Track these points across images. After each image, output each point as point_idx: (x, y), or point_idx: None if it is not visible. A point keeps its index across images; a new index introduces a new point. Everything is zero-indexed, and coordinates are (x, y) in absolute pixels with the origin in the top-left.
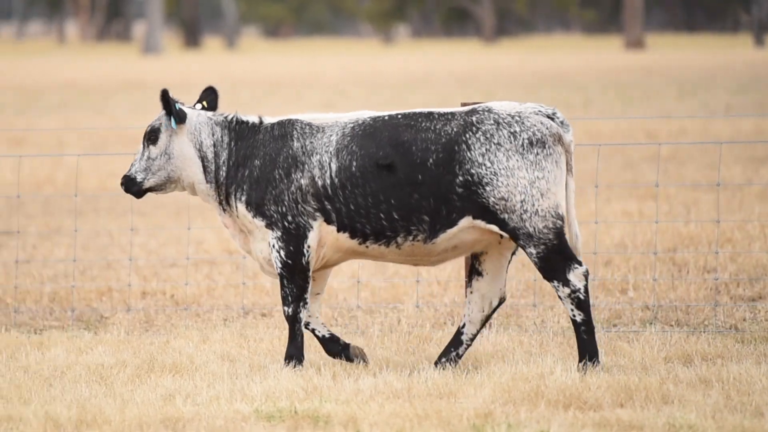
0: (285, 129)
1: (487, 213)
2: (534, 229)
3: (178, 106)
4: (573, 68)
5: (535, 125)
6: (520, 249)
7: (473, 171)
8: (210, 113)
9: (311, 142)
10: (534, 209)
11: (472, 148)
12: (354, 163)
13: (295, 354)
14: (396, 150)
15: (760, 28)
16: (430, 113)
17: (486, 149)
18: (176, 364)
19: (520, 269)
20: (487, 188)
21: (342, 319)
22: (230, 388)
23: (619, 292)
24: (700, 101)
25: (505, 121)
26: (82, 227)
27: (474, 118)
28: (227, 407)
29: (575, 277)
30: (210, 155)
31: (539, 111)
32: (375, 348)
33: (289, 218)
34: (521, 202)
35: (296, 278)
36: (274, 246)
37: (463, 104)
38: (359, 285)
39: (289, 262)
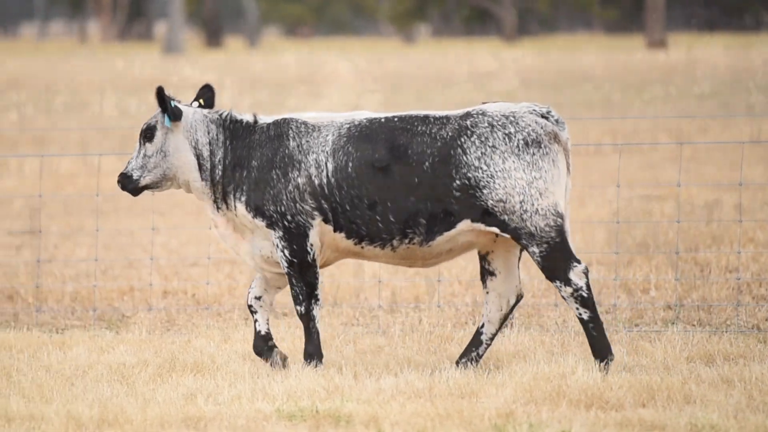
0: (281, 129)
1: (486, 215)
2: (536, 228)
3: (173, 103)
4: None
5: (529, 125)
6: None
7: (470, 175)
8: (206, 111)
9: (307, 141)
10: (534, 209)
11: (468, 151)
12: (350, 164)
13: (313, 352)
14: (392, 153)
15: None
16: (426, 116)
17: (482, 152)
18: (197, 364)
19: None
20: (485, 191)
21: (363, 319)
22: (252, 388)
23: (641, 291)
24: (722, 101)
25: (500, 123)
26: (103, 227)
27: (468, 122)
28: (249, 407)
29: (576, 275)
30: (206, 153)
31: (534, 110)
32: (396, 347)
33: (289, 218)
34: (520, 202)
35: (304, 276)
36: (278, 246)
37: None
38: (380, 284)
39: (295, 260)
